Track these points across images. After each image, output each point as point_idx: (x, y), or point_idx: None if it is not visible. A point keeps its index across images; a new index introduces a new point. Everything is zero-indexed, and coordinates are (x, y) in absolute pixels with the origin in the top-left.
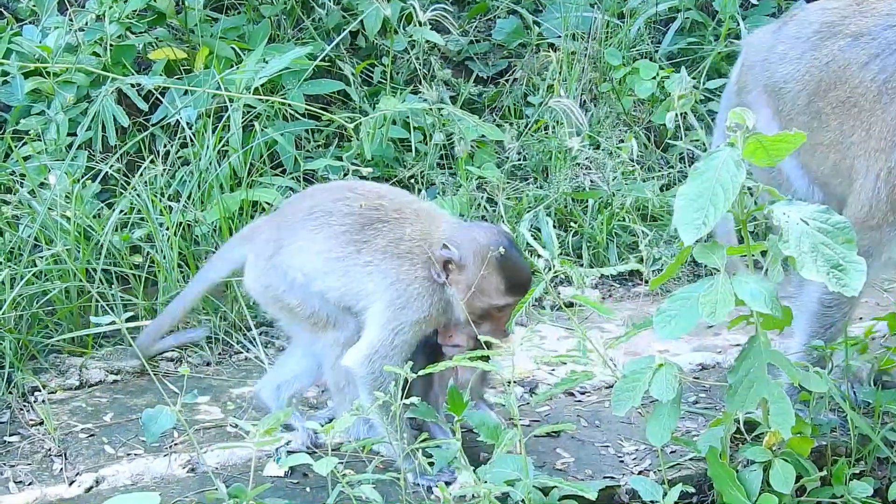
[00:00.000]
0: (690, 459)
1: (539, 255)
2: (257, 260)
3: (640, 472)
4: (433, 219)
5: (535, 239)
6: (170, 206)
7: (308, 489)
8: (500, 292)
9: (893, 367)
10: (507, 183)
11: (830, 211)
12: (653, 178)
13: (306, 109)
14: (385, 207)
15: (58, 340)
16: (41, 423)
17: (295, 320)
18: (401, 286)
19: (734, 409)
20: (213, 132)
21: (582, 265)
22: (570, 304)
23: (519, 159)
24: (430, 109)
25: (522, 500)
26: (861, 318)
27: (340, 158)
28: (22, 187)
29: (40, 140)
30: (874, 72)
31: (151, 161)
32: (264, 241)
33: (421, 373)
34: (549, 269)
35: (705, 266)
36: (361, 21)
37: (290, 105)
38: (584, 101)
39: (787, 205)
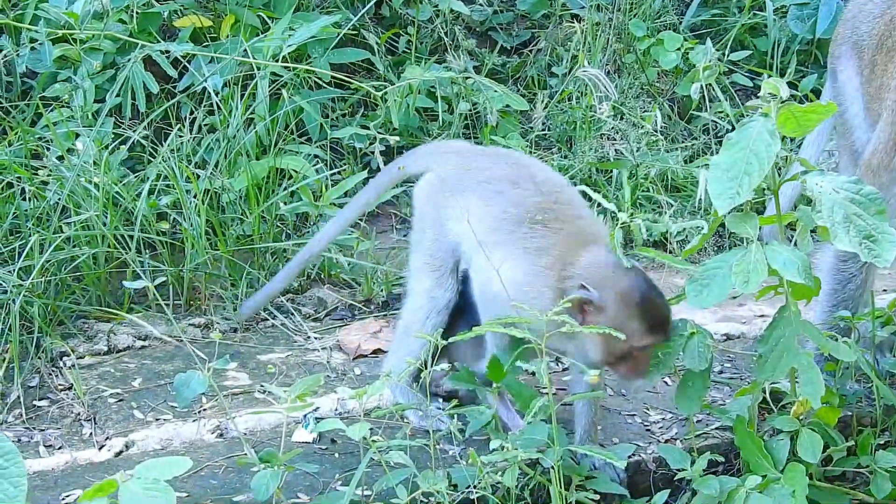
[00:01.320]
0: (717, 428)
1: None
2: (432, 187)
3: (666, 441)
4: (584, 240)
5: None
6: (197, 174)
7: (337, 455)
8: (641, 334)
9: None
10: (532, 153)
11: (862, 182)
12: (677, 149)
13: (332, 78)
14: (552, 211)
15: (86, 307)
16: (70, 388)
17: (416, 248)
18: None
19: (764, 378)
20: (240, 100)
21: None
22: None
23: (543, 129)
24: (456, 79)
25: (552, 467)
26: (885, 290)
27: (367, 127)
28: (50, 152)
29: (68, 107)
30: None
31: (179, 128)
32: (444, 177)
33: (451, 340)
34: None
35: (731, 237)
36: None
37: (315, 74)
38: (609, 71)
39: (819, 175)
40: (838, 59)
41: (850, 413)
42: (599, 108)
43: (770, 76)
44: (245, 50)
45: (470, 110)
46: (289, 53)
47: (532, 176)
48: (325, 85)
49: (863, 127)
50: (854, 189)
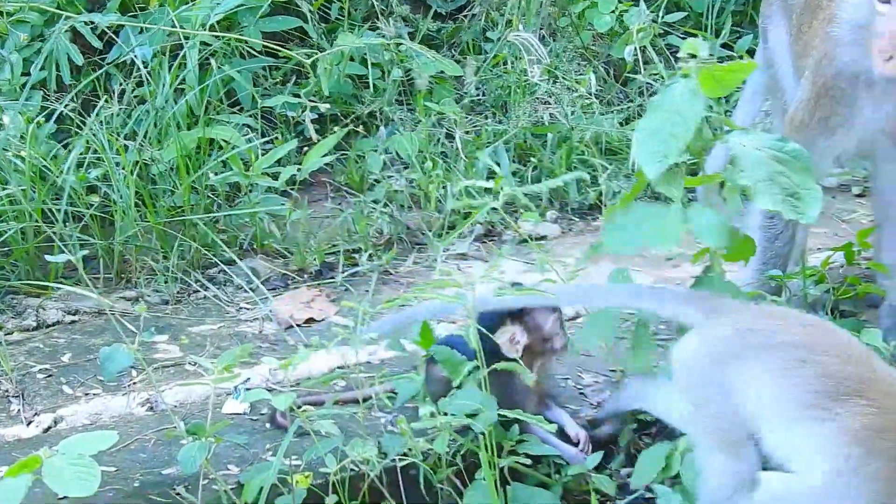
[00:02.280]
0: None
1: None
2: (706, 349)
3: (598, 404)
4: None
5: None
6: (126, 146)
7: (266, 425)
8: None
9: (850, 297)
10: (466, 118)
11: (785, 139)
12: (612, 111)
13: (263, 46)
14: (870, 381)
15: (15, 283)
16: None
17: (696, 420)
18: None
19: None
20: (169, 70)
21: (541, 200)
22: (531, 238)
23: (478, 95)
24: (388, 45)
25: (483, 433)
26: (819, 249)
27: (298, 96)
28: None
29: None
30: None
31: (107, 100)
32: (723, 334)
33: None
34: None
35: (663, 197)
36: None
37: (246, 42)
38: (543, 35)
39: (743, 134)
40: (769, 19)
41: None
42: (531, 72)
43: (705, 38)
44: (173, 19)
45: (403, 77)
46: (219, 22)
47: (834, 339)
48: (256, 54)
49: (792, 85)
50: (778, 147)
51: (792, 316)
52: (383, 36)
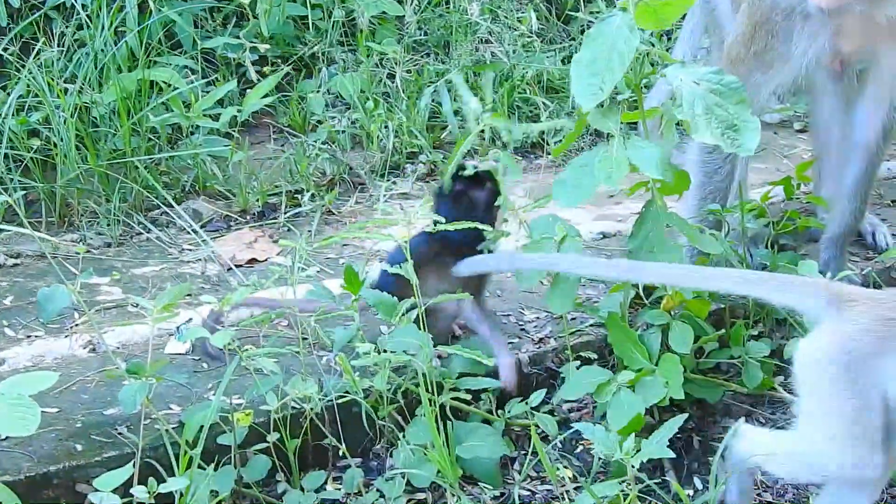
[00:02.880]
0: (591, 325)
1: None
2: (839, 336)
3: (540, 340)
4: None
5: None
6: (66, 89)
7: (205, 365)
8: None
9: (790, 231)
10: (408, 58)
11: (723, 72)
12: (554, 50)
13: None
14: None
15: None
16: None
17: (832, 416)
18: None
19: None
20: (109, 13)
21: (483, 139)
22: None
23: (420, 34)
24: None
25: (423, 373)
26: (762, 184)
27: (240, 37)
28: None
29: None
30: None
31: (45, 43)
32: (861, 326)
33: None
34: (479, 122)
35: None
36: None
37: None
38: None
39: (679, 68)
40: None
41: (722, 306)
42: (471, 11)
43: None
44: None
45: (345, 18)
46: None
47: None
48: None
49: (730, 21)
50: (715, 80)
51: None
52: None
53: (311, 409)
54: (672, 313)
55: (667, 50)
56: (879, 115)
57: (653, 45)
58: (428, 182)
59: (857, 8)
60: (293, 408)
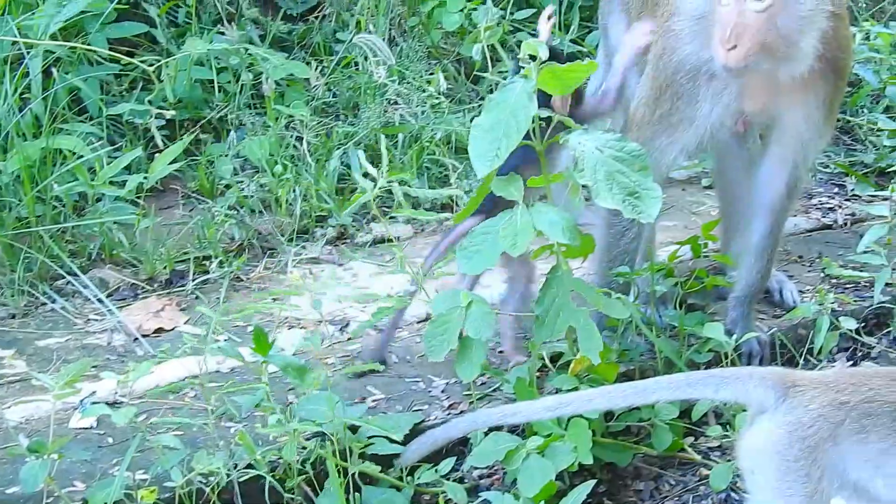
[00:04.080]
0: (500, 390)
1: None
2: (790, 424)
3: (449, 406)
4: None
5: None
6: None
7: (111, 440)
8: None
9: (699, 290)
10: (318, 120)
11: (625, 139)
12: (463, 110)
13: (110, 54)
14: None
15: None
16: None
17: None
18: None
19: (542, 338)
20: (10, 80)
21: (392, 201)
22: (382, 241)
23: (330, 96)
24: (233, 50)
25: (331, 441)
26: (670, 242)
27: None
28: None
29: None
30: None
31: None
32: (814, 413)
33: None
34: (376, 186)
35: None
36: None
37: (94, 49)
38: (393, 35)
39: (582, 134)
40: (609, 16)
41: (632, 367)
42: (377, 74)
43: (554, 34)
44: (13, 29)
45: (254, 80)
46: (65, 29)
47: None
48: (104, 61)
49: (633, 82)
50: (617, 146)
51: (878, 373)
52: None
53: (217, 483)
54: (580, 377)
55: None
56: (783, 174)
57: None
58: (337, 246)
59: (763, 67)
60: (199, 482)
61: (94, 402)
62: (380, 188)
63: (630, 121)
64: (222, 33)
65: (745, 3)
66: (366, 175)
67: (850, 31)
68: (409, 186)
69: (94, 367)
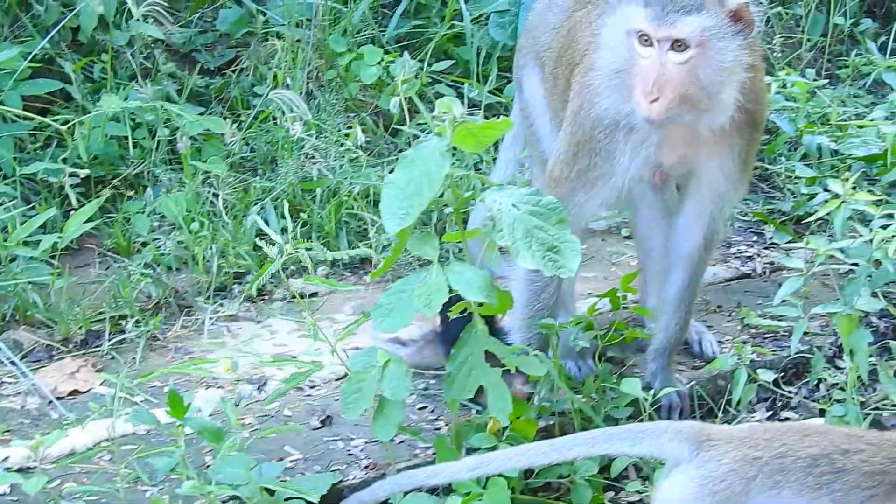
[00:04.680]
0: (421, 448)
1: (273, 243)
2: (703, 478)
3: (367, 466)
4: None
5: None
6: None
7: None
8: None
9: (618, 342)
10: (235, 176)
11: (540, 193)
12: (382, 163)
13: (24, 113)
14: None
15: None
16: None
17: None
18: None
19: (453, 397)
20: None
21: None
22: (301, 296)
23: (248, 151)
24: (147, 107)
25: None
26: (590, 294)
27: (64, 160)
28: None
29: None
30: (589, 30)
31: None
32: (727, 467)
33: None
34: (282, 254)
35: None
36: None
37: (9, 109)
38: (311, 89)
39: (498, 191)
40: (523, 70)
41: (552, 422)
42: (293, 129)
43: (471, 85)
44: None
45: (171, 136)
46: None
47: (854, 433)
48: (17, 118)
49: (550, 137)
50: (534, 202)
51: (791, 428)
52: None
53: None
54: (498, 435)
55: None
56: (700, 225)
57: (478, 169)
58: (255, 303)
59: (685, 119)
60: None
61: (6, 469)
62: (287, 255)
63: (547, 177)
64: (140, 88)
65: (666, 55)
66: (283, 231)
67: (764, 82)
68: (326, 246)
69: (6, 431)
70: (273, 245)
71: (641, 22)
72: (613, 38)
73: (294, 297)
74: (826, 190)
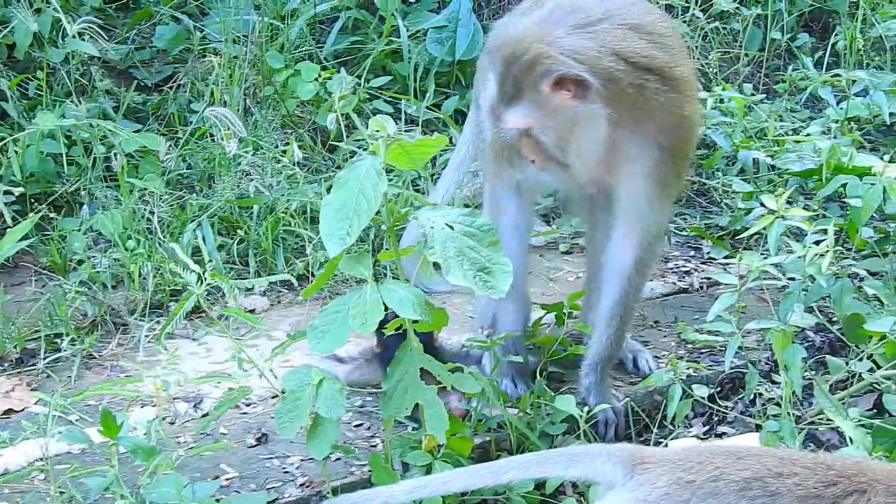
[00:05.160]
0: (357, 466)
1: (191, 270)
2: (631, 502)
3: (303, 484)
4: None
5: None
6: None
7: None
8: None
9: (561, 358)
10: (172, 193)
11: (475, 214)
12: (319, 179)
13: None
14: (856, 471)
15: None
16: None
17: None
18: None
19: (389, 414)
20: None
21: (248, 272)
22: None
23: (185, 168)
24: (81, 125)
25: None
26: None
27: None
28: None
29: None
30: None
31: None
32: (660, 491)
33: None
34: (202, 283)
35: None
36: None
37: None
38: (248, 105)
39: (432, 210)
40: (481, 86)
41: (488, 439)
42: (228, 147)
43: (409, 101)
44: None
45: (106, 153)
46: None
47: (786, 454)
48: None
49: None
50: (468, 222)
51: (725, 451)
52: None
53: None
54: (433, 453)
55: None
56: (630, 243)
57: (417, 188)
58: (192, 320)
59: (558, 169)
60: None
61: None
62: (207, 285)
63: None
64: (74, 106)
65: (505, 132)
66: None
67: (690, 108)
68: (264, 263)
69: None
70: (191, 273)
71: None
72: None
73: (227, 317)
74: (762, 205)
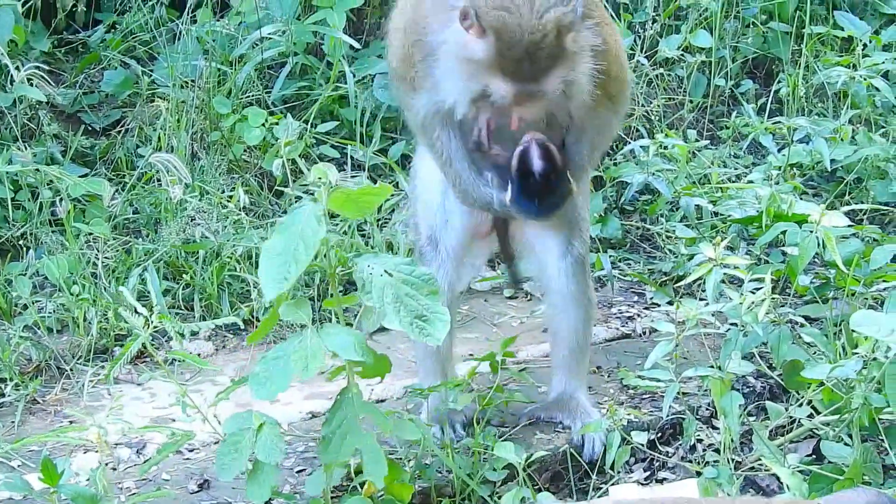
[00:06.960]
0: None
1: (138, 312)
2: None
3: None
4: None
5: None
6: None
7: None
8: None
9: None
10: (118, 238)
11: (415, 263)
12: (265, 224)
13: None
14: None
15: None
16: None
17: None
18: None
19: (328, 460)
20: None
21: (194, 317)
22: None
23: (132, 213)
24: (35, 169)
25: None
26: (471, 355)
27: None
28: None
29: None
30: None
31: None
32: None
33: None
34: (148, 326)
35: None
36: None
37: None
38: (196, 150)
39: (372, 257)
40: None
41: (426, 484)
42: (173, 192)
43: (355, 146)
44: None
45: (53, 197)
46: None
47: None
48: None
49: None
50: (408, 271)
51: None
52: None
53: None
54: (374, 499)
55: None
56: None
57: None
58: (136, 365)
59: None
60: None
61: None
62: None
63: None
64: (19, 152)
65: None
66: (166, 293)
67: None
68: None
69: None
70: (138, 315)
71: None
72: None
73: (173, 360)
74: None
